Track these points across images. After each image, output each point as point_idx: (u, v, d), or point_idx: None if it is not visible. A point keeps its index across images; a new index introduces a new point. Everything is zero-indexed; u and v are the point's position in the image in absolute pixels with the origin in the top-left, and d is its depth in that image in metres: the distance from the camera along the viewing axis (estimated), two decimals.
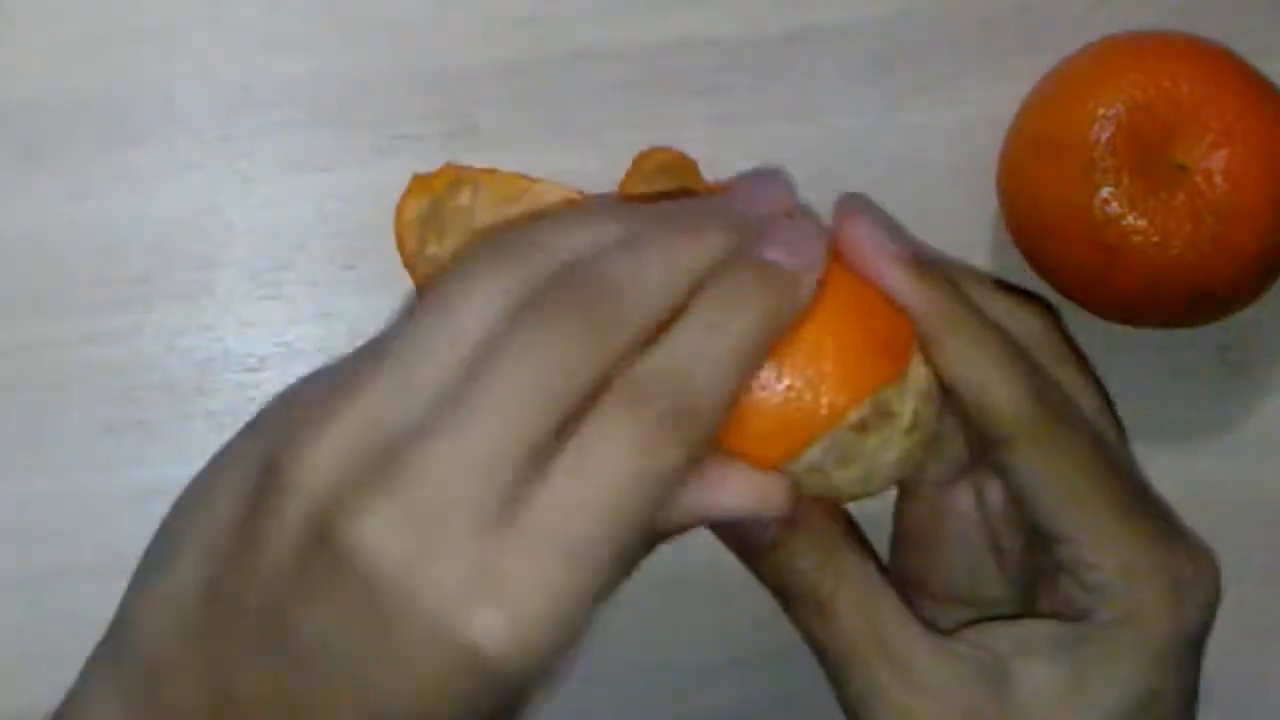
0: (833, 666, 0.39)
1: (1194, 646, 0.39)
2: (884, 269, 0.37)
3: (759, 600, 0.52)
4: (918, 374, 0.38)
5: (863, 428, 0.37)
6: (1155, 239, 0.47)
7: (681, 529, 0.35)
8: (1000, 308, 0.40)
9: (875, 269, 0.37)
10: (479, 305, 0.33)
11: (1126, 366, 0.52)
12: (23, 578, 0.52)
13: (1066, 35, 0.50)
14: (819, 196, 0.51)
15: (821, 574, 0.39)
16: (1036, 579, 0.41)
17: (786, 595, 0.40)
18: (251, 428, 0.34)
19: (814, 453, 0.37)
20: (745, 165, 0.52)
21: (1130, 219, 0.47)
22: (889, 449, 0.38)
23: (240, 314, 0.52)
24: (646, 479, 0.32)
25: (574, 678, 0.52)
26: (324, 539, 0.31)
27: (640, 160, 0.50)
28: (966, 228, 0.53)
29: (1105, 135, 0.47)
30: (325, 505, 0.31)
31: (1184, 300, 0.48)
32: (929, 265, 0.38)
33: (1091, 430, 0.39)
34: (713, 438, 0.34)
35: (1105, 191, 0.47)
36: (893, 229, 0.38)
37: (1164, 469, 0.52)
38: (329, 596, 0.31)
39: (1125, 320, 0.50)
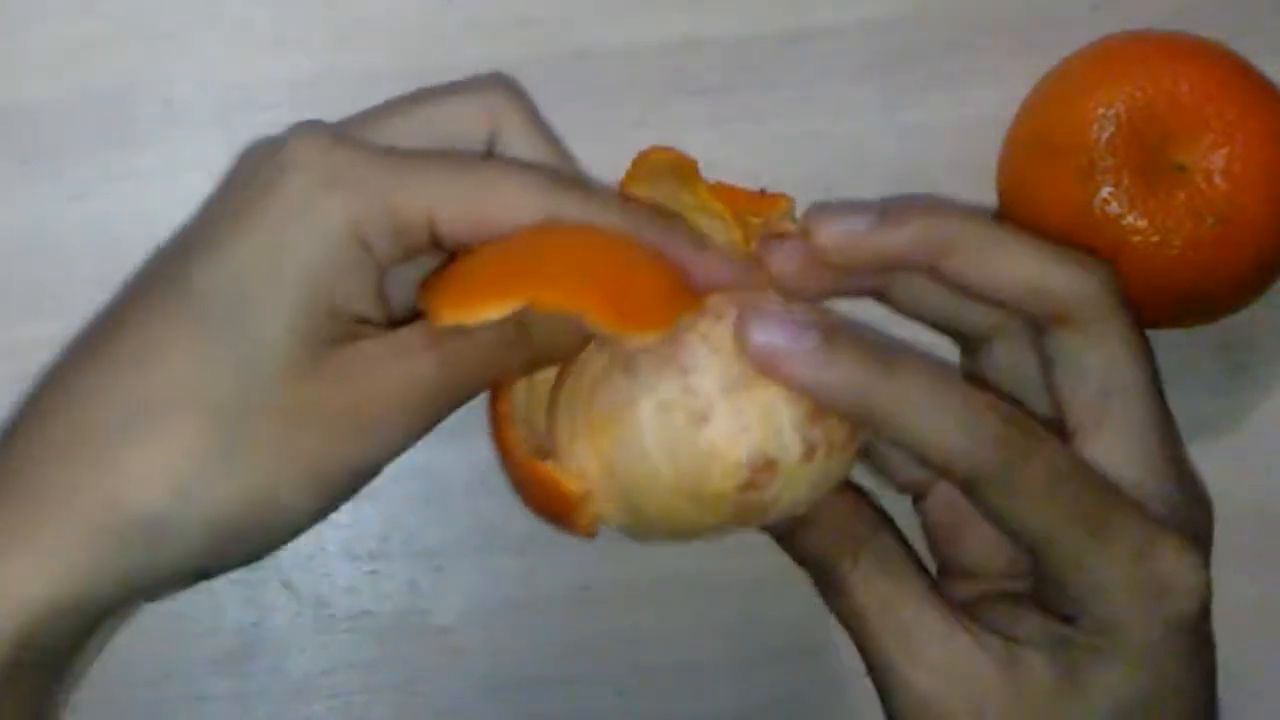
0: (854, 640, 0.41)
1: (1188, 632, 0.39)
2: (796, 375, 0.38)
3: (757, 600, 0.52)
4: (786, 408, 0.38)
5: (750, 486, 0.38)
6: (1155, 239, 0.47)
7: None
8: (1045, 267, 0.40)
9: (787, 378, 0.38)
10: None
11: None
12: None
13: (1066, 35, 0.50)
14: (819, 197, 0.51)
15: (840, 552, 0.40)
16: None
17: (810, 571, 0.41)
18: None
19: (722, 514, 0.38)
20: (745, 165, 0.52)
21: (1130, 219, 0.47)
22: (794, 486, 0.38)
23: None
24: None
25: (575, 678, 0.52)
26: (271, 152, 0.40)
27: (640, 160, 0.50)
28: None
29: (1105, 135, 0.47)
30: (282, 148, 0.40)
31: (1184, 300, 0.48)
32: (834, 341, 0.38)
33: (1055, 455, 0.39)
34: None
35: (1105, 191, 0.47)
36: (783, 319, 0.38)
37: None
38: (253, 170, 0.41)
39: None
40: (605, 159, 0.50)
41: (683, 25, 0.52)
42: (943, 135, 0.53)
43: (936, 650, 0.39)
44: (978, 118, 0.51)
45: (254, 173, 0.40)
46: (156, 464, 0.37)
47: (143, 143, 0.52)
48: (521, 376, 0.41)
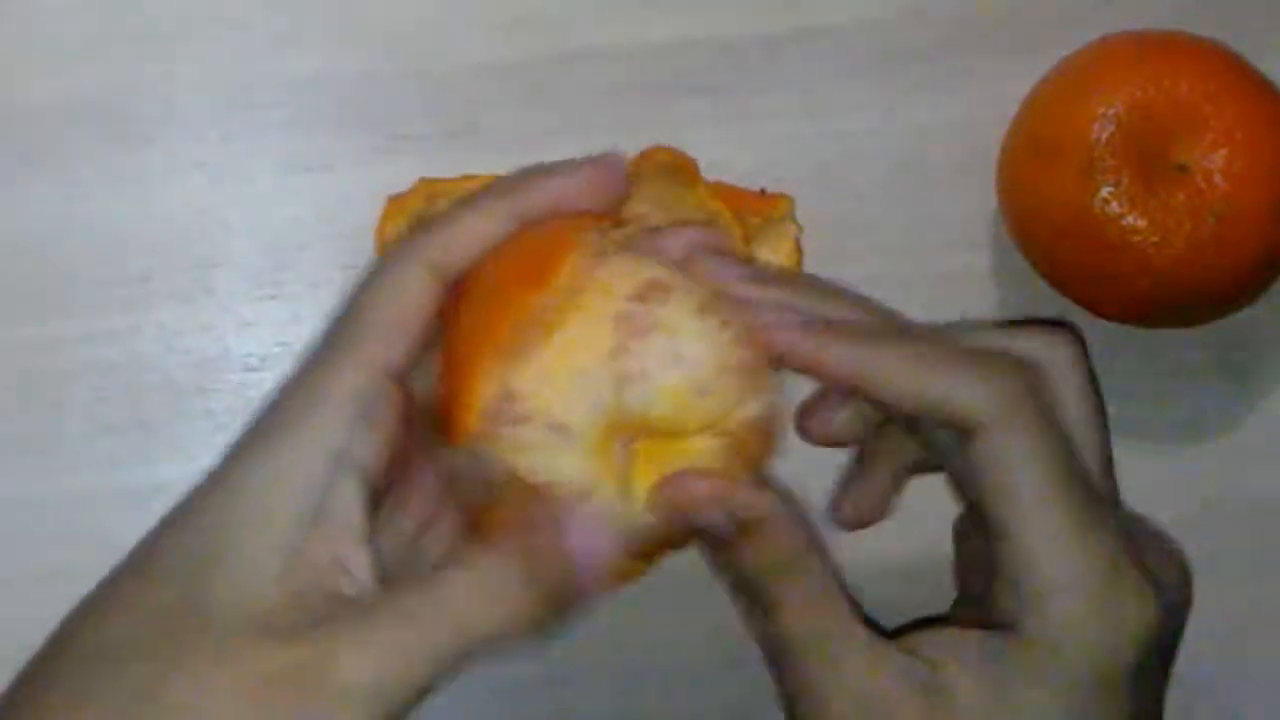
0: (773, 663, 0.40)
1: (1126, 679, 0.38)
2: (794, 345, 0.38)
3: None
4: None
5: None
6: (1155, 239, 0.47)
7: None
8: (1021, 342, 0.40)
9: (788, 350, 0.38)
10: None
11: (1126, 366, 0.52)
12: (23, 578, 0.52)
13: (1066, 35, 0.50)
14: (819, 196, 0.52)
15: (778, 571, 0.39)
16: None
17: (739, 590, 0.40)
18: None
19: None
20: (745, 165, 0.52)
21: (1130, 219, 0.47)
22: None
23: (240, 314, 0.52)
24: None
25: (574, 678, 0.52)
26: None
27: (640, 160, 0.50)
28: (966, 228, 0.53)
29: (1105, 135, 0.47)
30: None
31: (1184, 300, 0.48)
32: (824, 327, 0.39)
33: (1064, 435, 0.38)
34: None
35: (1105, 191, 0.47)
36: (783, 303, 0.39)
37: (1164, 469, 0.52)
38: None
39: (1125, 320, 0.50)
40: None
41: (683, 25, 0.52)
42: (943, 135, 0.53)
43: (859, 680, 0.38)
44: (978, 118, 0.51)
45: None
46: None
47: (143, 143, 0.52)
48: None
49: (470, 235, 0.39)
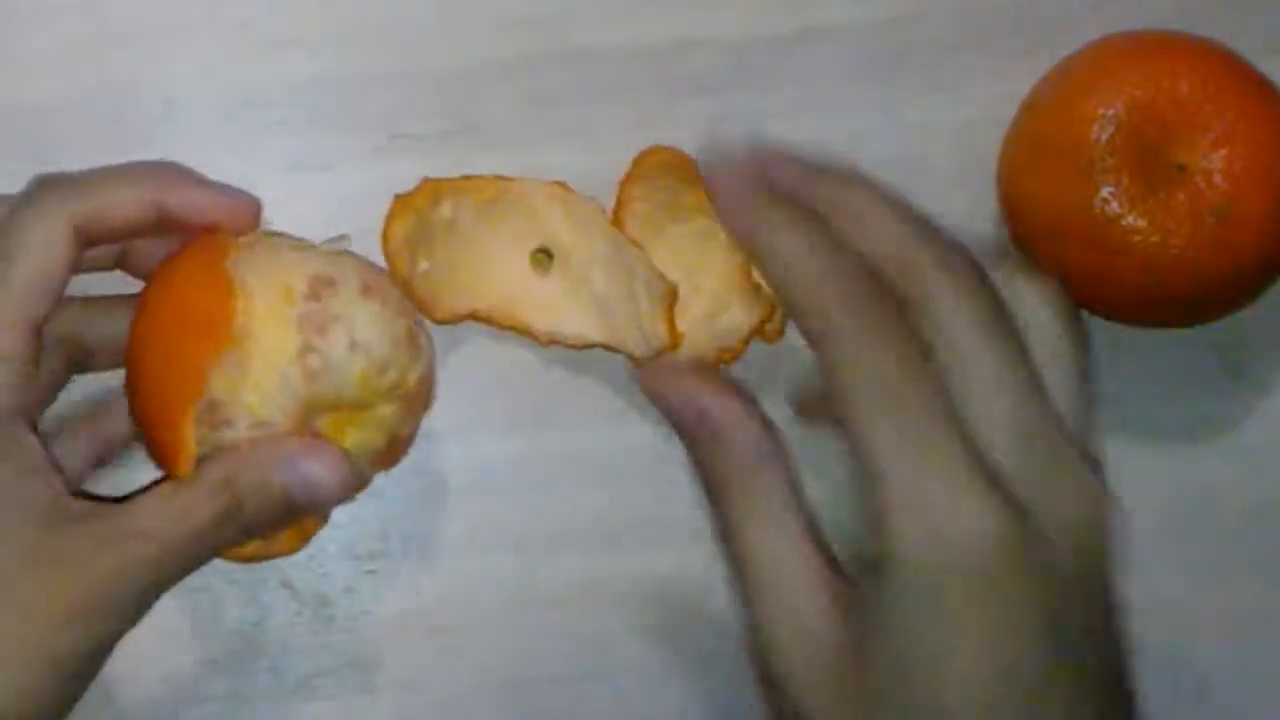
0: (728, 561, 0.40)
1: (978, 593, 0.36)
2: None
3: None
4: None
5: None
6: (1155, 239, 0.47)
7: None
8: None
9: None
10: None
11: (1126, 366, 0.52)
12: None
13: (1066, 35, 0.50)
14: None
15: (730, 487, 0.39)
16: None
17: (705, 496, 0.40)
18: None
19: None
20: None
21: (1130, 219, 0.47)
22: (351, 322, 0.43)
23: None
24: None
25: (574, 677, 0.52)
26: None
27: (640, 160, 0.50)
28: (966, 228, 0.52)
29: (1105, 135, 0.47)
30: None
31: (1184, 300, 0.48)
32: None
33: (912, 344, 0.38)
34: None
35: (1105, 191, 0.47)
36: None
37: (1164, 469, 0.52)
38: None
39: (1125, 320, 0.50)
40: (605, 159, 0.50)
41: (683, 25, 0.53)
42: (943, 135, 0.53)
43: (794, 603, 0.38)
44: (978, 118, 0.51)
45: None
46: None
47: (143, 143, 0.52)
48: (235, 548, 0.43)
49: (117, 202, 0.44)
